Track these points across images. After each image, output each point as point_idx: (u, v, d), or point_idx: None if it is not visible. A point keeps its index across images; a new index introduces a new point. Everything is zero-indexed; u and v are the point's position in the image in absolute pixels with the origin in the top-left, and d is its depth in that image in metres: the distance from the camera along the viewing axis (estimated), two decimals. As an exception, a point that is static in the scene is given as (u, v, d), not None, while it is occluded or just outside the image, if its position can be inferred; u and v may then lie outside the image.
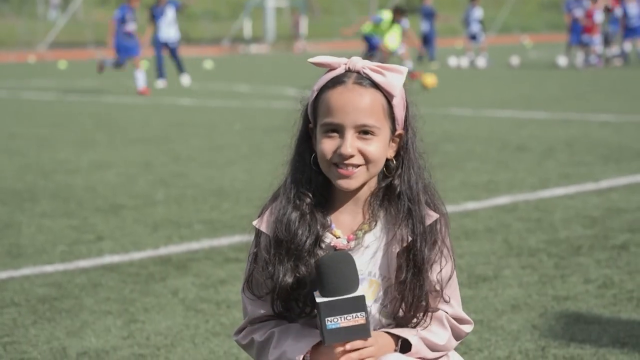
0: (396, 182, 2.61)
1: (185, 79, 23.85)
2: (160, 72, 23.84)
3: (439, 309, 2.64)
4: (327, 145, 2.54)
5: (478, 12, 32.44)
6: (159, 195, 8.55)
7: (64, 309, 5.14)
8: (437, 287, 2.62)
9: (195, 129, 14.22)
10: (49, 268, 6.04)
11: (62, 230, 7.15)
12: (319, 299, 2.41)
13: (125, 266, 6.06)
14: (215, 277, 5.72)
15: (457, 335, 2.69)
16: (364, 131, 2.53)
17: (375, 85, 2.55)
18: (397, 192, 2.60)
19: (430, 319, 2.63)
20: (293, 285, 2.55)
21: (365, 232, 2.60)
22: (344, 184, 2.56)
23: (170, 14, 23.87)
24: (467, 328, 2.72)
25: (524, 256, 6.07)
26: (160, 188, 8.96)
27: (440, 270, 2.62)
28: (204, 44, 49.14)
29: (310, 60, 2.59)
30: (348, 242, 2.59)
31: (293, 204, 2.58)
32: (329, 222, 2.59)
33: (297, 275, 2.55)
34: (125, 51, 21.35)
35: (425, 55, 33.47)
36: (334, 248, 2.57)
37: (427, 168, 2.67)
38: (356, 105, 2.53)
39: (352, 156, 2.53)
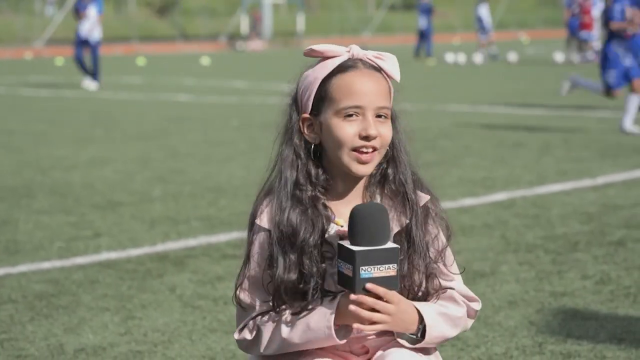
0: (390, 170, 2.62)
1: (92, 84, 22.10)
2: (85, 72, 22.23)
3: (447, 288, 2.64)
4: (347, 129, 2.53)
5: (481, 10, 32.62)
6: (157, 192, 8.55)
7: (61, 306, 5.14)
8: (441, 265, 2.62)
9: (192, 125, 14.23)
10: (46, 264, 6.04)
11: (59, 226, 7.15)
12: (355, 248, 2.42)
13: (123, 263, 6.06)
14: (213, 274, 5.72)
15: (468, 314, 2.68)
16: (378, 114, 2.55)
17: (380, 70, 2.58)
18: (391, 179, 2.62)
19: (438, 297, 2.62)
20: (297, 280, 2.53)
21: None
22: (362, 170, 2.56)
23: (92, 12, 22.08)
24: (476, 305, 2.69)
25: (521, 252, 6.07)
26: (158, 184, 8.96)
27: (439, 244, 2.63)
28: (200, 40, 49.13)
29: (313, 47, 2.59)
30: None
31: (293, 199, 2.56)
32: (330, 213, 2.58)
33: (302, 270, 2.53)
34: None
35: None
36: (339, 237, 2.55)
37: (412, 155, 2.69)
38: (374, 87, 2.55)
39: (375, 137, 2.53)
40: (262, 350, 2.60)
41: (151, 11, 59.56)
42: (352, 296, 2.44)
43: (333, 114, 2.55)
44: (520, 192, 8.18)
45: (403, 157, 2.63)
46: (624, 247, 6.11)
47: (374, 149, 2.55)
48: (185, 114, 15.99)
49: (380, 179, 2.63)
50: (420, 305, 2.57)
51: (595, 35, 29.45)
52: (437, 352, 2.69)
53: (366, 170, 2.57)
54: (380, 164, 2.62)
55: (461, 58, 31.26)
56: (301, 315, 2.54)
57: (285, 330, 2.55)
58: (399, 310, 2.49)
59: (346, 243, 2.46)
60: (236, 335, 2.65)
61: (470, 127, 13.16)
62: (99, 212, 7.66)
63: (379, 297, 2.46)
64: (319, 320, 2.51)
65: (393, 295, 2.47)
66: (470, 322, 2.69)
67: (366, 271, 2.42)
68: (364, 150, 2.54)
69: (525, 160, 10.01)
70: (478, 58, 31.23)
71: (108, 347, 4.48)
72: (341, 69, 2.56)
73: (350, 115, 2.54)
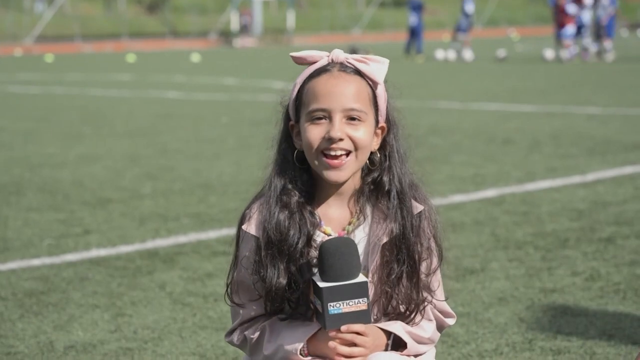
0: (385, 178, 2.59)
1: None
2: None
3: (427, 302, 2.64)
4: (314, 132, 2.52)
5: (468, 6, 32.57)
6: (146, 189, 8.54)
7: (51, 303, 5.13)
8: (425, 279, 2.62)
9: (182, 122, 14.21)
10: (36, 262, 6.02)
11: (49, 223, 7.14)
12: (321, 284, 2.39)
13: (113, 260, 6.05)
14: (203, 271, 5.72)
15: (439, 327, 2.70)
16: (351, 117, 2.52)
17: (359, 74, 2.55)
18: (387, 189, 2.59)
19: (422, 314, 2.63)
20: (286, 286, 2.53)
21: (355, 227, 2.59)
22: (333, 176, 2.53)
23: None
24: (450, 321, 2.73)
25: (511, 249, 6.08)
26: (148, 181, 8.95)
27: (430, 263, 2.62)
28: (190, 37, 49.07)
29: (292, 54, 2.58)
30: None
31: (281, 203, 2.55)
32: (318, 220, 2.57)
33: (290, 275, 2.53)
34: None
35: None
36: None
37: (411, 164, 2.66)
38: (343, 90, 2.52)
39: (341, 140, 2.50)
40: (250, 355, 2.67)
41: (141, 8, 59.48)
42: (331, 333, 2.44)
43: (305, 118, 2.55)
44: (509, 188, 8.19)
45: (400, 169, 2.61)
46: (614, 244, 6.12)
47: (347, 153, 2.52)
48: (175, 111, 15.97)
49: (373, 189, 2.61)
50: (395, 328, 2.58)
51: (571, 32, 29.14)
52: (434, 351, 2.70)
53: (338, 176, 2.54)
54: (369, 172, 2.60)
55: (451, 55, 31.26)
56: (281, 333, 2.56)
57: (266, 347, 2.59)
58: (373, 340, 2.51)
59: (317, 279, 2.43)
60: (226, 337, 2.72)
61: (460, 124, 13.17)
62: (88, 209, 7.65)
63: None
64: (292, 343, 2.53)
65: (366, 327, 2.47)
66: (438, 336, 2.72)
67: (335, 307, 2.39)
68: (332, 153, 2.51)
69: (515, 157, 10.02)
70: (468, 55, 31.24)
71: (98, 344, 4.47)
72: (315, 73, 2.55)
73: (319, 119, 2.52)
